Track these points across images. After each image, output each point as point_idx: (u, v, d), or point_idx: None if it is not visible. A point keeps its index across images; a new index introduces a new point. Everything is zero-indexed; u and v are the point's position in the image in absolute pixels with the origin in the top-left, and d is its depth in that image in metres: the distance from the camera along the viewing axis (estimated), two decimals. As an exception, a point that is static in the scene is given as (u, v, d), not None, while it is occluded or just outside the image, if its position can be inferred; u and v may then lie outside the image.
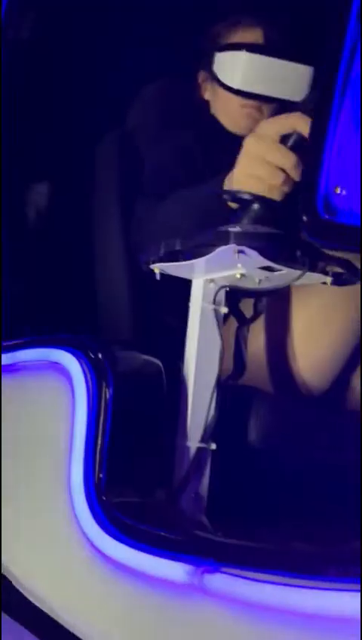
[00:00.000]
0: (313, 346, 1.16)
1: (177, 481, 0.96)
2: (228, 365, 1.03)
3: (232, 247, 0.91)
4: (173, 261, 0.98)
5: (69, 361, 0.97)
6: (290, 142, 0.96)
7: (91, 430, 0.92)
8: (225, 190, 1.00)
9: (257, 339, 1.15)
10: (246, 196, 0.96)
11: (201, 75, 1.42)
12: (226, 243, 0.91)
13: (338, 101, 0.80)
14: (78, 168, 1.38)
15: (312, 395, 1.17)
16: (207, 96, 1.41)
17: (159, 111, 1.37)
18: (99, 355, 0.96)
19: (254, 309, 1.06)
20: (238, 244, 0.90)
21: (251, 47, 1.24)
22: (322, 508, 1.04)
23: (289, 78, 0.99)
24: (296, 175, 0.95)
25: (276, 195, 0.96)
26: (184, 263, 0.97)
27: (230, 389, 1.03)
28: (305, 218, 0.80)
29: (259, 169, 0.95)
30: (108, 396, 0.93)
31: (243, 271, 0.96)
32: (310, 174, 0.80)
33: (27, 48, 1.40)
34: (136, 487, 0.94)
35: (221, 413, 1.00)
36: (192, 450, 0.98)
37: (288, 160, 0.94)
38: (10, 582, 1.00)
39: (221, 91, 1.30)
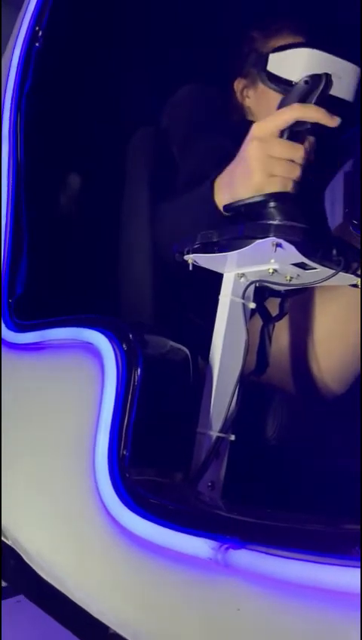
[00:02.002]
0: (333, 348, 1.17)
1: (195, 468, 0.97)
2: (250, 361, 1.05)
3: (271, 239, 0.92)
4: (208, 252, 1.00)
5: (100, 340, 0.98)
6: (287, 134, 0.96)
7: (118, 408, 0.93)
8: (253, 197, 0.97)
9: (278, 338, 1.16)
10: (261, 198, 0.95)
11: (241, 83, 1.43)
12: (265, 235, 0.93)
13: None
14: (109, 160, 1.40)
15: (330, 396, 1.19)
16: (247, 102, 1.42)
17: (193, 114, 1.39)
18: (130, 337, 0.97)
19: (280, 309, 1.08)
20: (277, 237, 0.92)
21: (311, 44, 1.28)
22: (327, 512, 1.05)
23: (343, 77, 1.02)
24: (306, 162, 0.95)
25: (290, 188, 0.96)
26: (219, 254, 0.99)
27: (251, 385, 1.04)
28: (348, 211, 0.82)
29: (278, 167, 0.95)
30: (137, 377, 0.94)
31: (276, 266, 0.97)
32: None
33: (65, 41, 1.43)
34: (157, 467, 0.94)
35: (241, 406, 1.01)
36: (212, 439, 0.99)
37: (298, 151, 0.94)
38: (22, 558, 1.00)
39: (270, 94, 1.33)
